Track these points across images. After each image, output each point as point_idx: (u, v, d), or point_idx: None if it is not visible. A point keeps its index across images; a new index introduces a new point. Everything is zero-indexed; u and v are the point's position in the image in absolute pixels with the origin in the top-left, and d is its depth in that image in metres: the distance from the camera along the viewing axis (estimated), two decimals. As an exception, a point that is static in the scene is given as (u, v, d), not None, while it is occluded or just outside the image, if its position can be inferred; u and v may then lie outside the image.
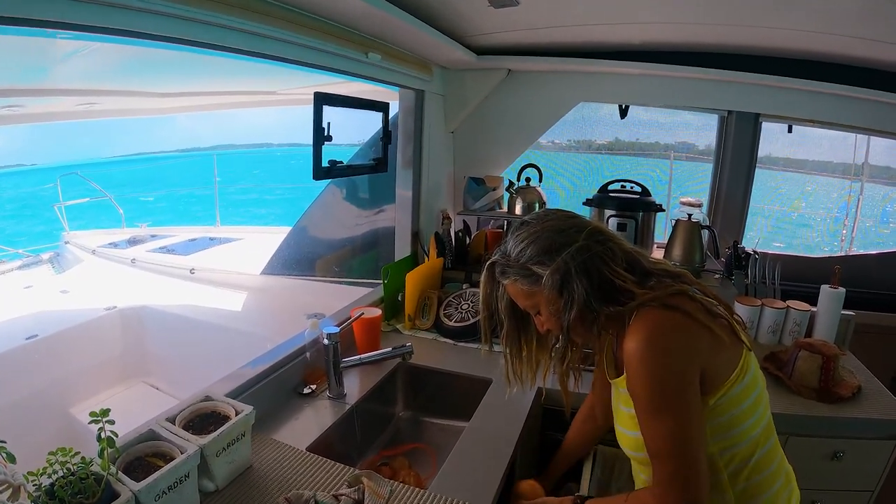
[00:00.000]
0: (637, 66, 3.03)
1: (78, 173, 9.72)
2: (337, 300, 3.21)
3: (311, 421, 2.17)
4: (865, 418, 2.29)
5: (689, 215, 3.21)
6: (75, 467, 1.35)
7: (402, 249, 3.43)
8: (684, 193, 3.74)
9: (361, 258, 4.84)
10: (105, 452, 1.44)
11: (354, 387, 2.41)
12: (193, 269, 6.40)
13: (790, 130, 3.52)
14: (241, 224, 11.29)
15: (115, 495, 1.37)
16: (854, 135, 6.11)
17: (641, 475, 1.67)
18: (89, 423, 1.46)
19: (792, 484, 1.65)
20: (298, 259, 5.66)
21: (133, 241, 8.09)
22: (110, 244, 7.89)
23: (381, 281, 3.02)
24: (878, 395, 2.43)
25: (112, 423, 1.47)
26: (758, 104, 3.24)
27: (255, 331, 4.65)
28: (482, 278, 1.66)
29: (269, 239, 7.71)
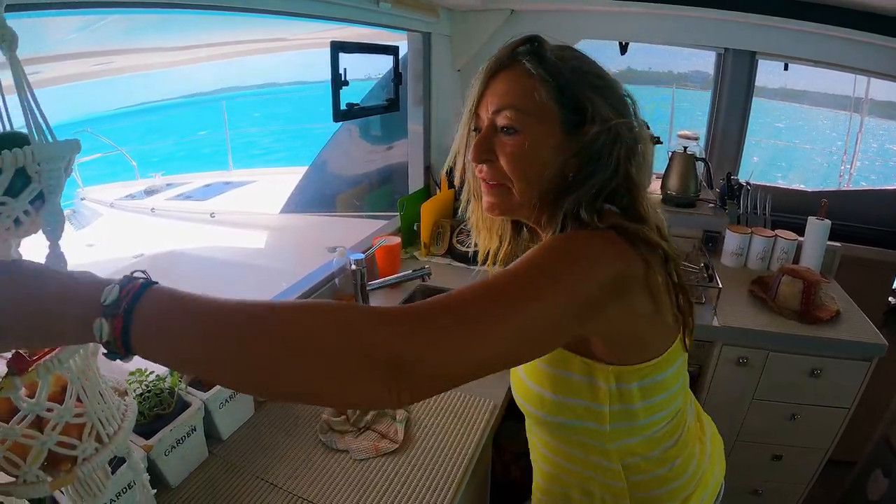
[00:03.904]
0: (637, 5, 3.07)
1: (88, 130, 9.74)
2: (355, 233, 3.39)
3: (344, 339, 2.40)
4: (842, 339, 2.43)
5: (685, 148, 3.33)
6: (151, 385, 1.61)
7: (416, 182, 3.61)
8: (692, 125, 3.85)
9: (378, 192, 4.93)
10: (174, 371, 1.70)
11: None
12: (213, 213, 6.52)
13: (786, 68, 3.61)
14: (253, 167, 11.36)
15: (187, 405, 1.64)
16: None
17: (536, 436, 1.38)
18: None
19: (701, 476, 1.33)
20: (317, 196, 5.76)
21: (149, 192, 8.17)
22: (127, 196, 8.02)
23: (398, 213, 3.21)
24: (857, 321, 2.57)
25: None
26: (754, 42, 3.30)
27: (279, 266, 4.81)
28: (501, 49, 1.16)
29: (283, 179, 7.80)
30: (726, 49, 3.53)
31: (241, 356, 0.71)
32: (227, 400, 1.76)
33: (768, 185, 3.58)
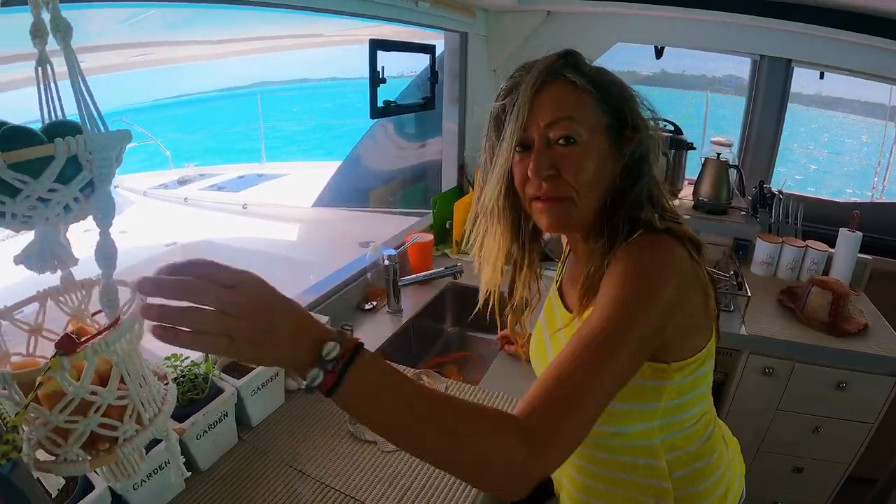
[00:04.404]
0: (673, 9, 3.04)
1: (123, 119, 9.82)
2: (387, 229, 3.41)
3: (374, 332, 2.45)
4: (869, 353, 2.40)
5: (719, 154, 3.29)
6: (185, 370, 1.64)
7: (449, 180, 3.63)
8: (724, 130, 3.81)
9: (411, 189, 4.95)
10: (209, 356, 1.73)
11: (409, 304, 2.67)
12: (246, 204, 6.56)
13: (822, 77, 3.53)
14: (286, 160, 11.42)
15: (220, 391, 1.67)
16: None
17: (572, 464, 1.37)
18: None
19: (729, 476, 1.36)
20: (349, 191, 5.78)
21: (182, 182, 8.27)
22: (160, 185, 8.10)
23: (431, 210, 3.23)
24: (885, 335, 2.52)
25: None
26: (790, 50, 3.25)
27: (311, 259, 4.85)
28: (542, 61, 1.17)
29: (316, 173, 7.90)
30: (762, 56, 3.48)
31: (420, 435, 0.83)
32: (258, 388, 1.79)
33: (801, 194, 3.54)
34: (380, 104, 2.64)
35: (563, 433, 0.87)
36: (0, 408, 0.80)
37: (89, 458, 0.92)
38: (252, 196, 7.03)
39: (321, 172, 7.35)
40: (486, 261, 1.40)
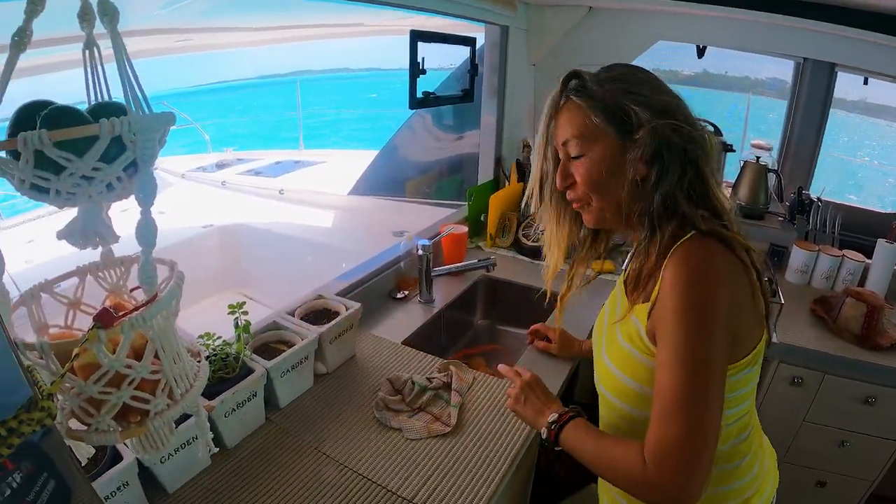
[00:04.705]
0: (715, 8, 3.01)
1: (164, 103, 9.88)
2: (421, 219, 3.42)
3: (404, 321, 2.48)
4: None
5: (758, 158, 3.27)
6: (217, 349, 1.67)
7: (486, 173, 3.64)
8: (764, 133, 3.76)
9: (447, 181, 4.96)
10: (241, 337, 1.76)
11: (440, 294, 2.69)
12: (282, 189, 6.56)
13: (866, 82, 3.47)
14: (323, 147, 11.44)
15: (250, 371, 1.70)
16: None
17: (615, 425, 1.44)
18: (228, 314, 1.80)
19: (763, 478, 1.40)
20: (385, 180, 5.81)
21: (220, 165, 8.29)
22: (198, 168, 8.10)
23: (466, 202, 3.24)
24: None
25: (246, 313, 1.80)
26: (833, 53, 3.17)
27: (346, 246, 4.84)
28: (554, 91, 1.37)
29: (352, 161, 7.93)
30: (805, 59, 3.44)
31: (597, 470, 1.27)
32: (288, 370, 1.82)
33: (839, 202, 3.48)
34: (419, 95, 2.65)
35: (692, 493, 1.05)
36: (36, 376, 0.82)
37: (120, 429, 0.95)
38: (289, 182, 7.03)
39: (358, 161, 7.36)
40: (552, 243, 1.58)
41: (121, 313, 0.90)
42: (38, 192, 0.87)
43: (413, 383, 1.93)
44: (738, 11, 2.97)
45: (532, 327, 2.26)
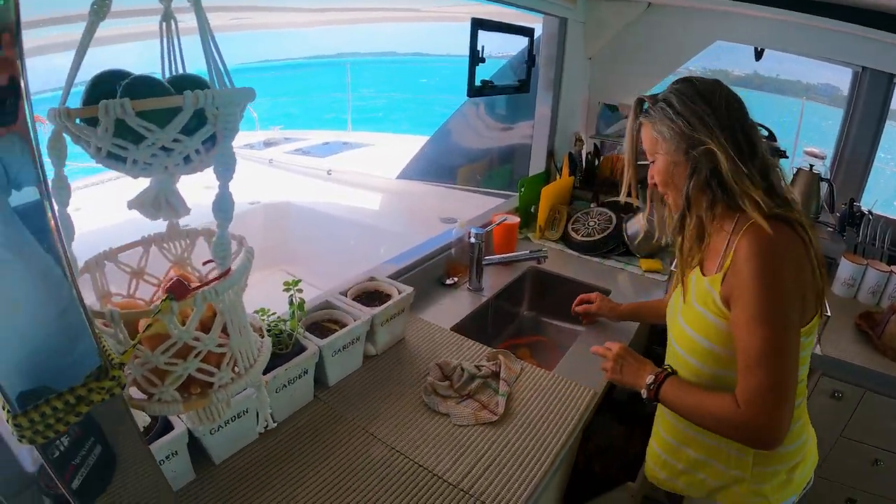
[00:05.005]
0: (775, 10, 2.94)
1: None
2: (469, 207, 3.41)
3: (452, 307, 2.48)
4: None
5: (811, 166, 3.20)
6: (271, 325, 1.68)
7: (537, 165, 3.62)
8: (815, 141, 3.68)
9: (498, 170, 4.95)
10: (295, 314, 1.77)
11: (489, 283, 2.68)
12: (330, 170, 6.58)
13: None
14: (370, 130, 11.46)
15: (303, 349, 1.71)
16: None
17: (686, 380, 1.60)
18: (283, 291, 1.81)
19: (808, 447, 1.64)
20: (435, 166, 5.81)
21: (268, 143, 8.36)
22: (246, 146, 8.19)
23: (517, 192, 3.23)
24: None
25: (301, 291, 1.80)
26: (893, 64, 3.09)
27: (394, 230, 4.84)
28: (630, 113, 1.64)
29: (400, 145, 7.93)
30: (864, 68, 3.36)
31: (694, 420, 1.47)
32: (340, 349, 1.83)
33: (891, 217, 3.39)
34: (477, 83, 2.64)
35: (782, 428, 1.27)
36: (104, 344, 0.82)
37: (182, 400, 0.95)
38: (336, 163, 7.03)
39: (406, 145, 7.38)
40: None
41: (194, 287, 0.90)
42: (114, 160, 0.87)
43: (462, 370, 1.92)
44: (798, 15, 2.90)
45: (581, 297, 2.43)
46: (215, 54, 0.86)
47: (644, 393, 1.58)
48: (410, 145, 6.80)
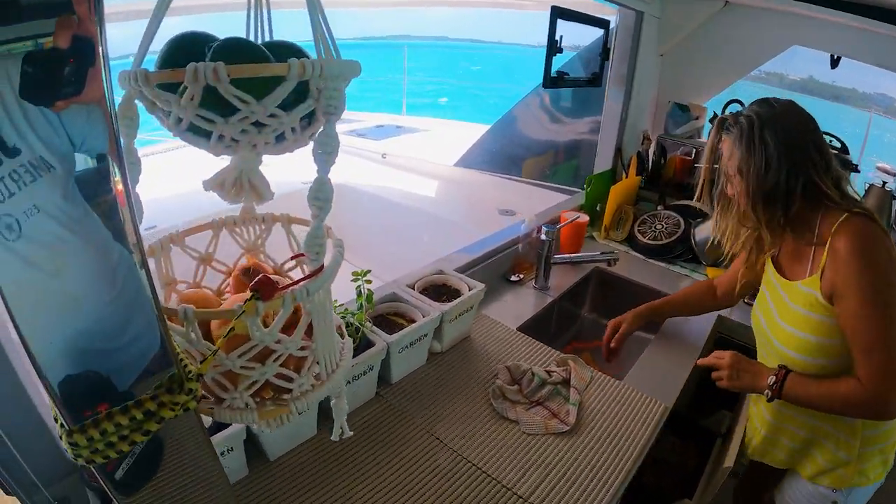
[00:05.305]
0: (855, 18, 2.84)
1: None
2: (529, 200, 3.31)
3: (517, 305, 2.38)
4: None
5: (884, 183, 3.04)
6: (338, 317, 1.59)
7: (604, 162, 3.50)
8: (880, 156, 3.54)
9: (563, 165, 4.87)
10: (363, 306, 1.67)
11: (554, 282, 2.57)
12: (385, 154, 6.50)
13: None
14: (425, 115, 11.39)
15: (370, 344, 1.61)
16: None
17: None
18: (350, 282, 1.70)
19: None
20: (496, 156, 5.71)
21: (320, 122, 8.37)
22: (299, 124, 8.17)
23: (580, 189, 3.12)
24: None
25: (369, 282, 1.70)
26: None
27: (451, 218, 4.74)
28: (712, 130, 1.72)
29: (456, 132, 7.84)
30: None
31: (820, 408, 1.59)
32: (407, 346, 1.74)
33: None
34: (553, 74, 2.54)
35: None
36: (180, 352, 0.72)
37: (256, 406, 0.86)
38: (391, 147, 6.93)
39: (462, 132, 7.29)
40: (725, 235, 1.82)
41: (281, 286, 0.80)
42: (197, 135, 0.77)
43: (533, 375, 1.83)
44: (879, 24, 2.80)
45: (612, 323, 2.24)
46: (322, 22, 0.75)
47: (767, 394, 1.63)
48: (466, 132, 6.75)
